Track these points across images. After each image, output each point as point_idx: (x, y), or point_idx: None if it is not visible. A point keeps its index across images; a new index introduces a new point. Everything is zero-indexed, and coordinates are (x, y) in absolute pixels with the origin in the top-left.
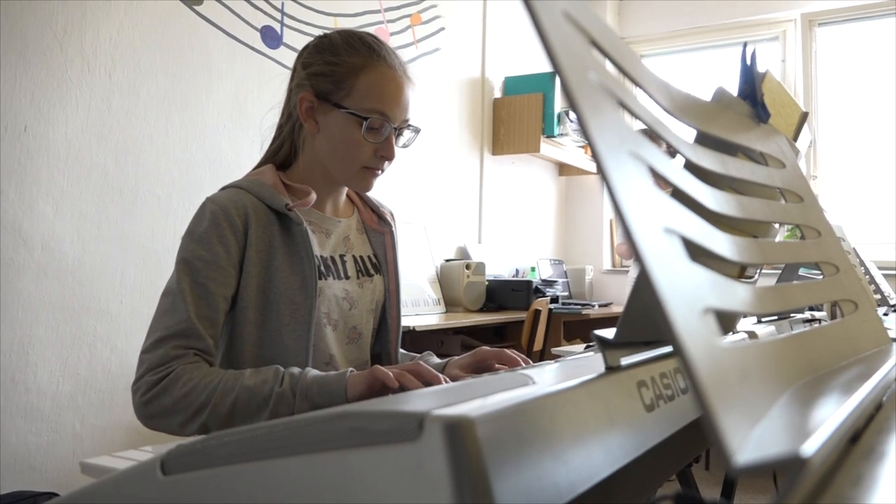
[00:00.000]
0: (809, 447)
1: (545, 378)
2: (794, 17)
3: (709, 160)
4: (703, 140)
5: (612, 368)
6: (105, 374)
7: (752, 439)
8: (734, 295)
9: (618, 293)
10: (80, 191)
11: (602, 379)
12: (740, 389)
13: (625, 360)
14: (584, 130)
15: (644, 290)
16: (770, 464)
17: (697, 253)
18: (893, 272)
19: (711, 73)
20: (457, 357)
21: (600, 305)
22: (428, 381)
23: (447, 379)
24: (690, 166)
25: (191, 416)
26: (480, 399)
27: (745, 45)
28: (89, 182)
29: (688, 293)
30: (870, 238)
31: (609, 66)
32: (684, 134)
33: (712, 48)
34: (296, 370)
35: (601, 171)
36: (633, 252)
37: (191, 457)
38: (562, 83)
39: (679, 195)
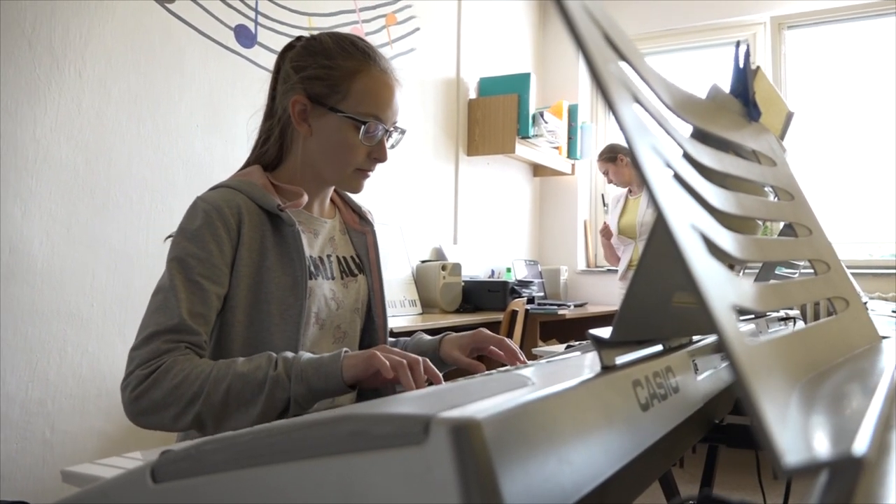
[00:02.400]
0: (860, 447)
1: (543, 378)
2: (763, 20)
3: (707, 157)
4: (700, 137)
5: (607, 368)
6: (76, 380)
7: (786, 438)
8: (745, 292)
9: (592, 293)
10: (49, 191)
11: (599, 379)
12: (769, 387)
13: (618, 360)
14: (619, 124)
15: (641, 289)
16: (824, 464)
17: (710, 250)
18: (861, 271)
19: (683, 76)
20: (454, 334)
21: (576, 305)
22: (426, 379)
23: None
24: (691, 163)
25: (183, 408)
26: (483, 400)
27: (737, 43)
28: (59, 182)
29: (719, 290)
30: (839, 238)
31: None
32: (683, 130)
33: (683, 50)
34: (289, 354)
35: (638, 166)
36: (673, 248)
37: (182, 463)
38: (593, 75)
39: (689, 192)
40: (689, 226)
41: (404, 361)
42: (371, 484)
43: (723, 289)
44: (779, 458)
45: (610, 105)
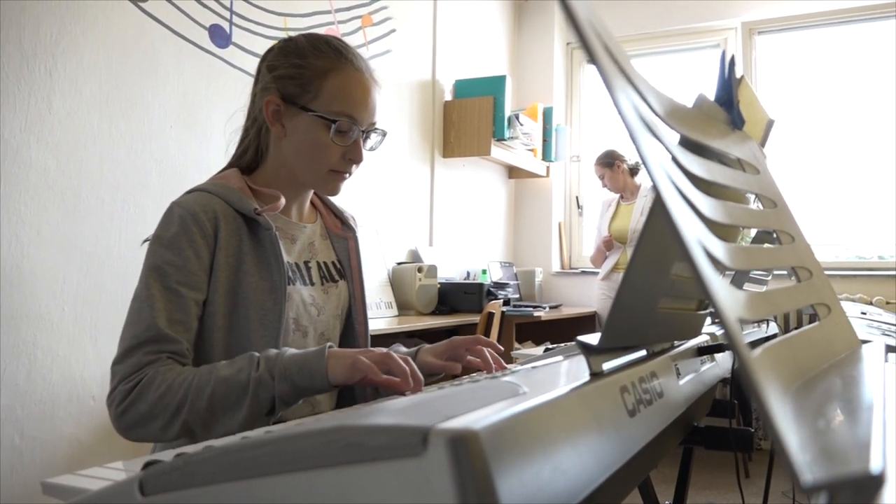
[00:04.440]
0: (876, 464)
1: (533, 386)
2: (734, 25)
3: (697, 166)
4: (687, 145)
5: (595, 374)
6: (46, 385)
7: (795, 450)
8: (741, 303)
9: (567, 295)
10: (18, 193)
11: (588, 385)
12: (777, 398)
13: (605, 366)
14: (632, 137)
15: (628, 296)
16: (842, 483)
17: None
18: (828, 273)
19: (654, 80)
20: (428, 345)
21: (551, 307)
22: (393, 372)
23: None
24: (683, 172)
25: (170, 418)
26: (478, 410)
27: (723, 51)
28: (28, 184)
29: (728, 304)
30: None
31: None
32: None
33: (654, 55)
34: (272, 352)
35: (652, 179)
36: (690, 265)
37: (171, 475)
38: (607, 86)
39: (687, 203)
40: (696, 241)
41: (390, 363)
42: (367, 496)
43: (729, 302)
44: (798, 475)
45: (622, 117)
